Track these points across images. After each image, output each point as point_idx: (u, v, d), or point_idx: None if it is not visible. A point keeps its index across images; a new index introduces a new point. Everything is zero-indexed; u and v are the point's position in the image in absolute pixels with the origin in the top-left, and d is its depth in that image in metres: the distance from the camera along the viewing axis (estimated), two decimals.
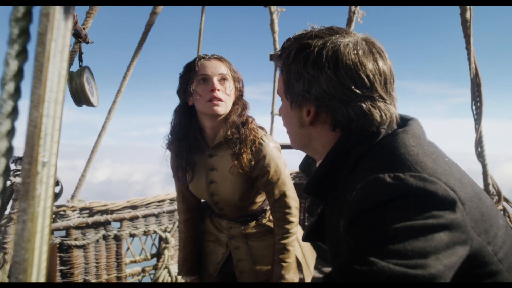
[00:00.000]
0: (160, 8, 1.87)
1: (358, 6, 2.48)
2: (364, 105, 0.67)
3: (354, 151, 0.70)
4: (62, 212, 2.04)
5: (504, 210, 2.04)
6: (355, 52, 0.67)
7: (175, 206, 2.46)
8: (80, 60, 1.49)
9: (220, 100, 1.26)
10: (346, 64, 0.66)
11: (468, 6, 1.88)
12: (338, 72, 0.66)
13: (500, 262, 0.60)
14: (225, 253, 1.48)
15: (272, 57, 2.48)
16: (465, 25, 1.91)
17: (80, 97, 1.44)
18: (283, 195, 1.34)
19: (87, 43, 1.53)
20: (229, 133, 1.30)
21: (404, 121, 0.74)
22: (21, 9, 0.38)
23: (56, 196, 1.99)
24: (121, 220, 2.28)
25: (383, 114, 0.68)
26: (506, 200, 2.04)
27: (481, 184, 2.08)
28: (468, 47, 1.94)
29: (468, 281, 0.59)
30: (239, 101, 1.36)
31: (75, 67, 1.49)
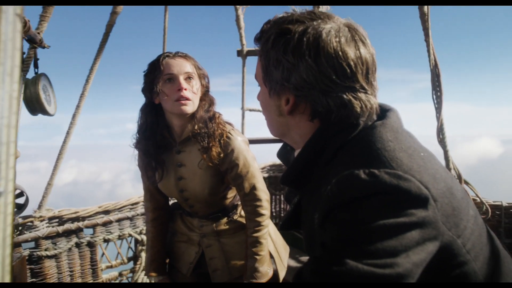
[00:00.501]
0: (121, 7, 1.81)
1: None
2: (344, 96, 0.65)
3: (332, 142, 0.69)
4: (29, 223, 1.96)
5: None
6: (337, 39, 0.64)
7: None
8: (36, 66, 1.42)
9: (187, 99, 1.26)
10: (328, 52, 0.63)
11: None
12: (319, 60, 0.64)
13: (468, 253, 0.62)
14: (198, 252, 1.49)
15: (239, 53, 2.46)
16: (423, 18, 1.98)
17: (35, 107, 1.38)
18: (253, 187, 1.36)
19: (43, 47, 1.46)
20: (196, 127, 1.31)
21: (383, 112, 0.73)
22: None
23: (22, 207, 1.92)
24: (93, 226, 2.22)
25: (363, 105, 0.66)
26: (466, 183, 2.17)
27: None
28: (427, 39, 2.01)
29: (438, 272, 0.61)
30: (206, 97, 1.37)
31: (30, 74, 1.43)
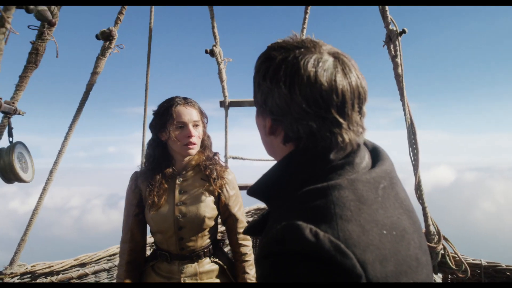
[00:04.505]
0: (101, 68, 1.85)
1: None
2: (314, 125, 0.65)
3: (299, 172, 0.69)
4: None
5: (444, 248, 2.16)
6: (314, 69, 0.64)
7: None
8: (10, 135, 1.43)
9: (194, 144, 1.49)
10: (301, 81, 0.64)
11: (399, 62, 2.02)
12: (293, 88, 0.64)
13: None
14: None
15: (222, 104, 2.50)
16: (398, 79, 2.04)
17: (9, 176, 1.38)
18: (242, 216, 1.60)
19: (19, 114, 1.48)
20: (205, 161, 1.55)
21: (374, 158, 0.73)
22: None
23: None
24: (68, 280, 2.17)
25: (334, 138, 0.65)
26: (446, 239, 2.16)
27: (422, 225, 2.19)
28: (402, 99, 2.06)
29: None
30: (208, 138, 1.61)
31: (4, 143, 1.44)
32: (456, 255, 2.12)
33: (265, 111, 0.72)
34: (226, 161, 2.66)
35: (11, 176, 1.40)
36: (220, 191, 1.53)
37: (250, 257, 1.56)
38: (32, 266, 2.04)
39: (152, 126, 1.52)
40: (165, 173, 1.51)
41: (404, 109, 2.07)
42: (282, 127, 0.70)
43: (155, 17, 2.21)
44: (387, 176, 0.71)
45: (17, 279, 1.98)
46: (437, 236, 2.17)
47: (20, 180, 1.43)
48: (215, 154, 1.62)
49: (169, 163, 1.53)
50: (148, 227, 1.59)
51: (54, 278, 2.10)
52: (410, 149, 2.11)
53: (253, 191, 0.79)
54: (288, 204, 0.68)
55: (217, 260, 1.56)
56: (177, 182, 1.52)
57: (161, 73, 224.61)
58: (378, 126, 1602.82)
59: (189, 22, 54.19)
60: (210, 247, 1.55)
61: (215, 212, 1.53)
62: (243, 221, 1.58)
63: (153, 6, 2.08)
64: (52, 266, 2.09)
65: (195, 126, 1.50)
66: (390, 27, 2.01)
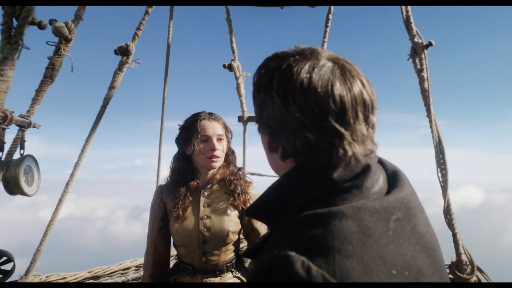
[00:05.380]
0: (119, 82, 1.88)
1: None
2: (311, 136, 0.59)
3: (299, 193, 0.63)
4: None
5: (479, 281, 1.95)
6: (308, 75, 0.59)
7: (141, 273, 2.36)
8: (22, 147, 1.46)
9: (218, 157, 1.51)
10: (294, 89, 0.59)
11: (426, 76, 1.89)
12: (286, 98, 0.59)
13: None
14: None
15: (240, 119, 2.47)
16: (424, 94, 1.91)
17: (13, 189, 1.40)
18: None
19: (34, 127, 1.51)
20: (229, 176, 1.57)
21: (391, 183, 0.64)
22: None
23: (8, 273, 1.90)
24: None
25: (334, 150, 0.59)
26: (480, 270, 1.95)
27: (453, 253, 2.00)
28: (429, 115, 1.92)
29: None
30: (232, 153, 1.64)
31: (17, 155, 1.46)
32: None
33: (262, 125, 0.67)
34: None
35: (14, 189, 1.41)
36: (244, 206, 1.55)
37: None
38: (46, 277, 2.06)
39: (178, 140, 1.57)
40: (189, 186, 1.53)
41: (431, 126, 1.92)
42: (279, 142, 0.65)
43: (174, 30, 2.23)
44: (403, 207, 0.61)
45: None
46: (470, 267, 1.96)
47: (22, 193, 1.45)
48: (239, 169, 1.65)
49: (193, 176, 1.55)
50: (172, 240, 1.62)
51: None
52: (438, 169, 1.95)
53: (249, 212, 0.72)
54: (284, 229, 0.61)
55: (239, 275, 1.57)
56: (202, 196, 1.55)
57: (183, 87, 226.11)
58: (407, 143, 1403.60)
59: (207, 35, 53.94)
60: (233, 261, 1.56)
61: (239, 227, 1.55)
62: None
63: (172, 21, 2.10)
64: (66, 278, 2.11)
65: (219, 140, 1.54)
66: (416, 39, 1.90)
